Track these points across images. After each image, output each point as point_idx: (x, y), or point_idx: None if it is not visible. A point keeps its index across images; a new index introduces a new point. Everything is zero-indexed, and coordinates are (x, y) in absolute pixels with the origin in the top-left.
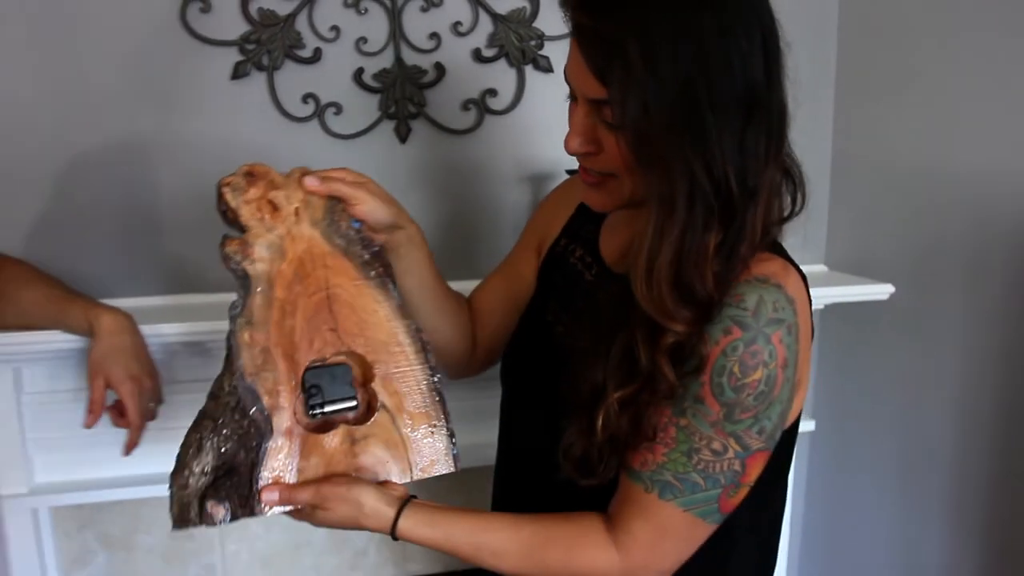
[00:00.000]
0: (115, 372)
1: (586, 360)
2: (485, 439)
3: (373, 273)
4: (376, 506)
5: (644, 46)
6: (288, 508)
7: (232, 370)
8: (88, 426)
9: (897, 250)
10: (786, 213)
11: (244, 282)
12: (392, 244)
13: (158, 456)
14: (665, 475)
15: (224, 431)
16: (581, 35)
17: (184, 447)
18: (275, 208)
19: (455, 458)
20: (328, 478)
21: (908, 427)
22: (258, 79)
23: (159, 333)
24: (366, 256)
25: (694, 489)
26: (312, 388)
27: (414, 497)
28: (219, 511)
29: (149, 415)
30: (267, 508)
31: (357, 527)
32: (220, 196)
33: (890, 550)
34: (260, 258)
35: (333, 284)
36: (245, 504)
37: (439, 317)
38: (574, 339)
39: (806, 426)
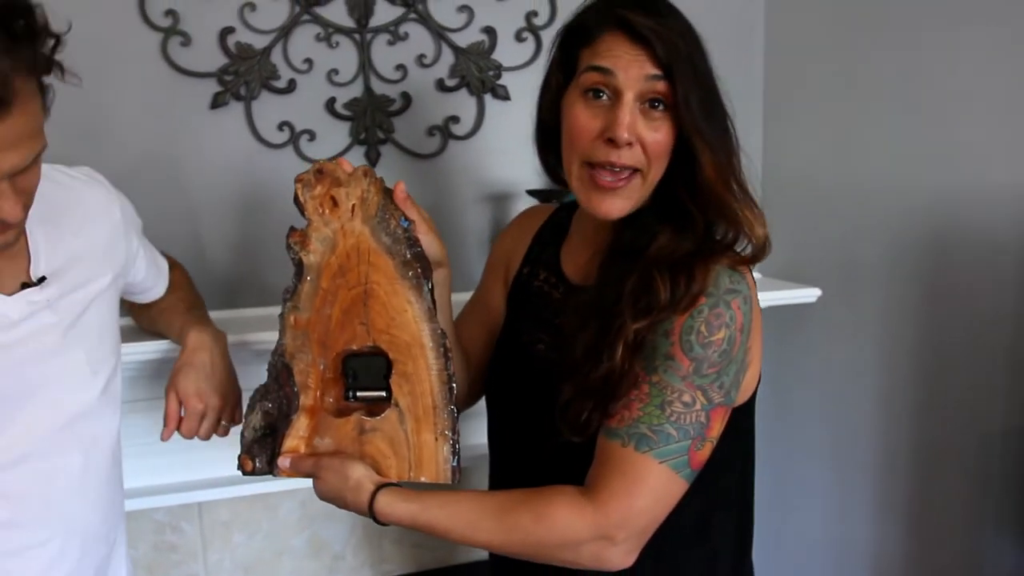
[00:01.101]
0: (183, 387)
1: (577, 334)
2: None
3: (411, 273)
4: (360, 480)
5: (688, 45)
6: (294, 475)
7: (276, 347)
8: (164, 439)
9: (823, 258)
10: None
11: (299, 270)
12: (434, 281)
13: (145, 472)
14: (641, 428)
15: (270, 398)
16: (646, 32)
17: (248, 406)
18: (335, 204)
19: (453, 471)
20: (330, 453)
21: (836, 413)
22: (236, 108)
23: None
24: (408, 255)
25: (668, 440)
26: (350, 373)
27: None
28: (249, 464)
29: (221, 432)
30: (279, 472)
31: (341, 499)
32: (295, 191)
33: (828, 532)
34: (315, 250)
35: (372, 280)
36: (271, 463)
37: (455, 354)
38: (560, 351)
39: None
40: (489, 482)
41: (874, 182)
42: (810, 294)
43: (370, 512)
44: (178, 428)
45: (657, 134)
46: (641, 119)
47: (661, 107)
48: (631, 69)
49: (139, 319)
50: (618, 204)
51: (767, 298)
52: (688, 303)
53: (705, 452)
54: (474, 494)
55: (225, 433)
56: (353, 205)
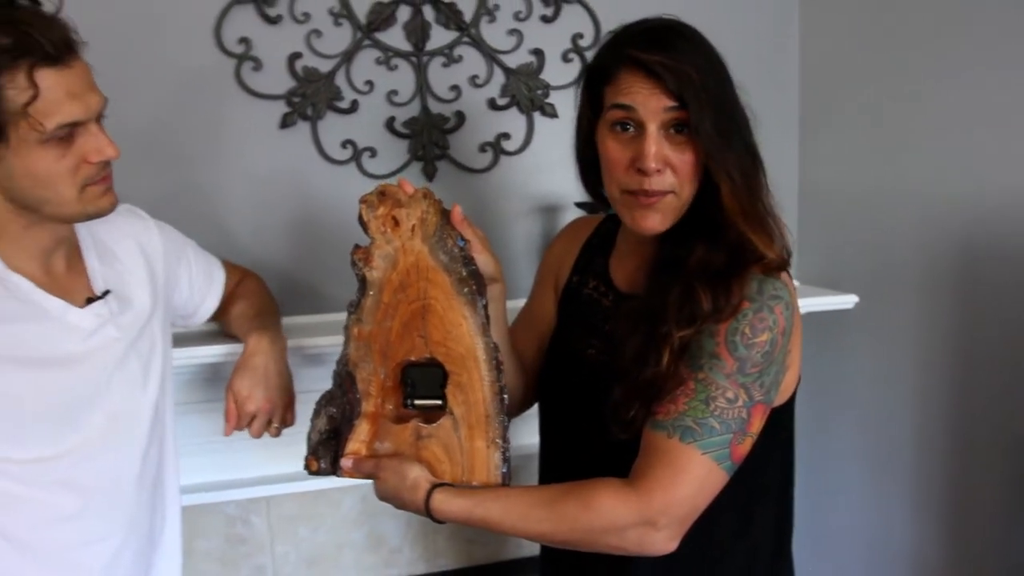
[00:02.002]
0: (237, 388)
1: (628, 339)
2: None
3: (466, 290)
4: (416, 480)
5: (700, 69)
6: (355, 476)
7: (341, 356)
8: (226, 434)
9: (860, 265)
10: None
11: (362, 285)
12: (489, 296)
13: (214, 468)
14: (686, 420)
15: (335, 403)
16: (656, 68)
17: (314, 410)
18: (396, 223)
19: (504, 476)
20: (389, 455)
21: (873, 419)
22: (303, 128)
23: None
24: (463, 273)
25: (711, 432)
26: (408, 382)
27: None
28: (315, 464)
29: (272, 432)
30: (341, 472)
31: (399, 498)
32: (359, 211)
33: (866, 533)
34: (377, 266)
35: (430, 296)
36: (334, 463)
37: (509, 363)
38: (610, 355)
39: None
40: (539, 481)
41: (909, 190)
42: (847, 301)
43: (426, 509)
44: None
45: (684, 155)
46: (667, 144)
47: (685, 130)
48: (649, 103)
49: (222, 325)
50: (657, 220)
51: (805, 304)
52: (729, 313)
53: (745, 446)
54: (524, 488)
55: (276, 434)
56: (413, 225)
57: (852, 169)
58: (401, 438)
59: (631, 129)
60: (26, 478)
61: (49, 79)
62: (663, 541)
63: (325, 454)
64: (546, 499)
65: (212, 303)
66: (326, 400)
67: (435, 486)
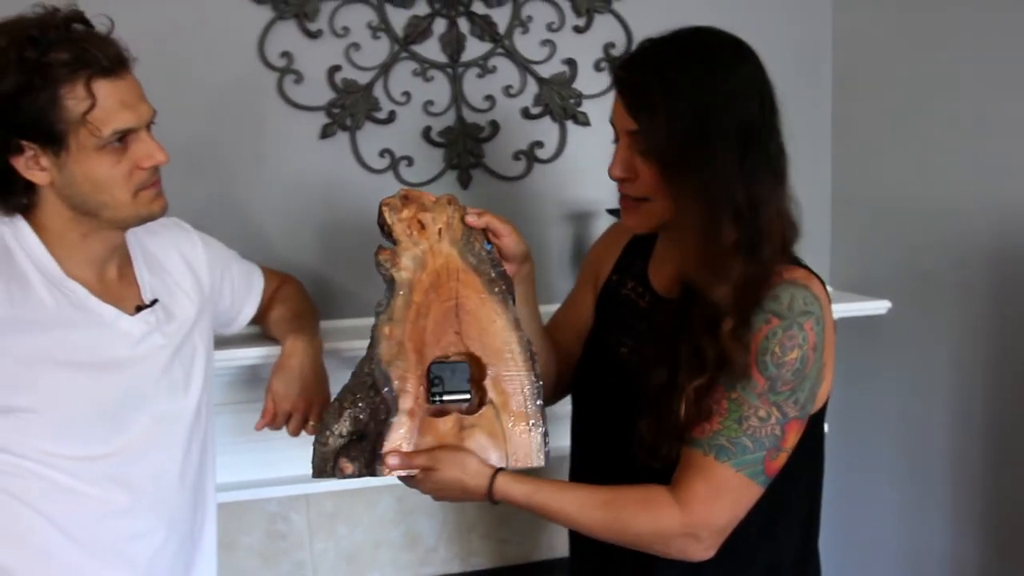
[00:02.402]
0: (274, 388)
1: (652, 367)
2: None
3: (496, 289)
4: (478, 468)
5: (665, 90)
6: (404, 472)
7: (371, 356)
8: (257, 428)
9: (893, 271)
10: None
11: (390, 285)
12: (520, 274)
13: (256, 466)
14: (720, 440)
15: (360, 404)
16: (620, 83)
17: (328, 413)
18: (422, 227)
19: (546, 455)
20: (440, 446)
21: (907, 426)
22: (343, 138)
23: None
24: (492, 275)
25: (744, 451)
26: (436, 379)
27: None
28: (349, 467)
29: (309, 430)
30: (386, 470)
31: (460, 487)
32: (380, 213)
33: (901, 539)
34: (405, 267)
35: (462, 295)
36: (369, 465)
37: (540, 343)
38: (641, 356)
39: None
40: (570, 469)
41: (943, 195)
42: (880, 306)
43: (488, 494)
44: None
45: (649, 168)
46: (638, 156)
47: None
48: (617, 117)
49: (262, 328)
50: (635, 221)
51: (838, 310)
52: (743, 367)
53: (780, 461)
54: (582, 486)
55: (313, 432)
56: (440, 229)
57: (885, 175)
58: (443, 431)
59: (618, 140)
60: (81, 474)
61: (105, 89)
62: (703, 551)
63: (358, 456)
64: (601, 500)
65: (251, 309)
66: (347, 403)
67: (497, 471)
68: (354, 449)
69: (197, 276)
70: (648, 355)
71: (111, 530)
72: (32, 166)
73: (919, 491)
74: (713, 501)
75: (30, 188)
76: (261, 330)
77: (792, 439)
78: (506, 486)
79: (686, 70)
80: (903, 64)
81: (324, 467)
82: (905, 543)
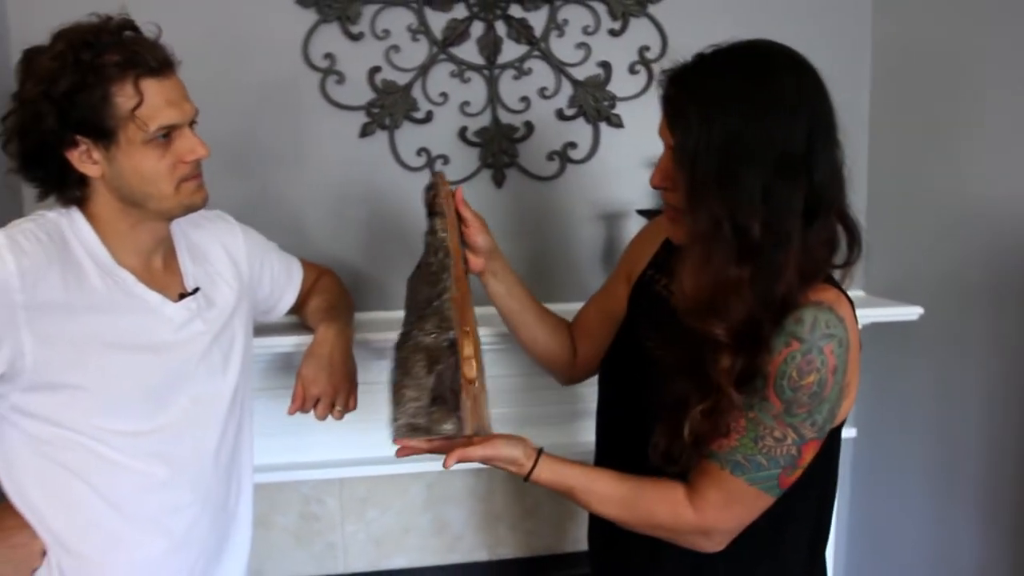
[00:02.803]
0: (303, 373)
1: (671, 372)
2: (582, 439)
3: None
4: (526, 444)
5: (701, 110)
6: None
7: (443, 324)
8: (289, 413)
9: (926, 277)
10: (844, 261)
11: (444, 253)
12: (492, 268)
13: (292, 450)
14: (736, 456)
15: (435, 375)
16: (665, 100)
17: (401, 396)
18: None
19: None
20: (498, 435)
21: (937, 434)
22: (381, 137)
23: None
24: (464, 267)
25: (758, 468)
26: None
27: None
28: (452, 421)
29: (335, 415)
30: (467, 431)
31: (514, 460)
32: (434, 183)
33: (929, 548)
34: (450, 234)
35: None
36: (457, 423)
37: (541, 329)
38: (663, 353)
39: (847, 432)
40: (595, 452)
41: (978, 202)
42: (912, 312)
43: (530, 472)
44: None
45: (683, 184)
46: (676, 169)
47: None
48: (661, 127)
49: (300, 318)
50: (676, 232)
51: (868, 315)
52: (760, 389)
53: (794, 477)
54: (607, 474)
55: (339, 416)
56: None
57: (920, 182)
58: (471, 396)
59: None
60: (126, 449)
61: (151, 88)
62: (713, 546)
63: (445, 418)
64: (628, 490)
65: (290, 298)
66: (422, 372)
67: (540, 452)
68: (440, 409)
69: (237, 265)
70: (669, 360)
71: (151, 502)
72: (85, 159)
73: (949, 499)
74: (725, 508)
75: (83, 181)
76: (299, 320)
77: (809, 457)
78: (543, 467)
79: (726, 92)
80: (940, 70)
81: (417, 426)
82: (934, 552)
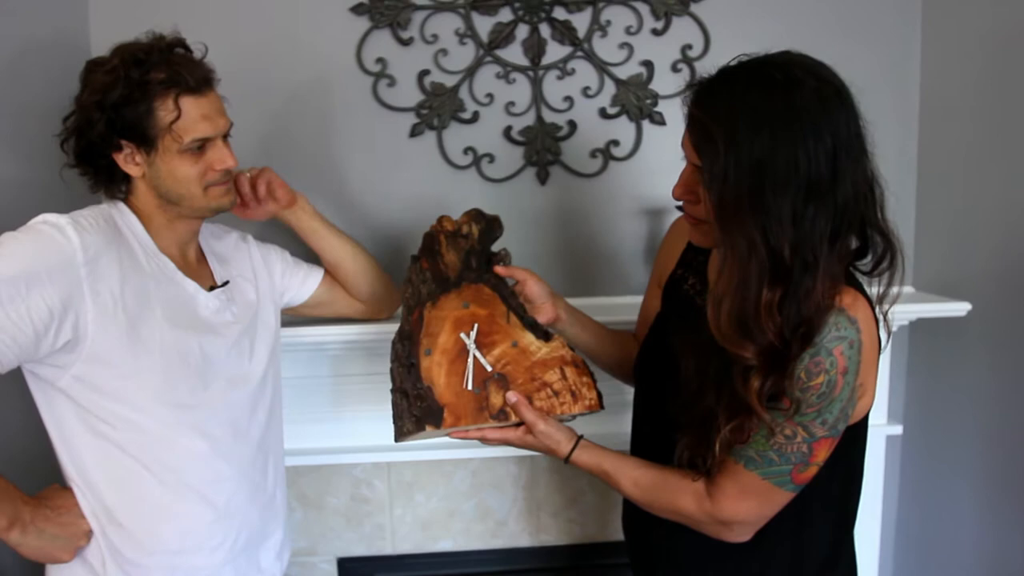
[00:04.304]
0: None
1: (694, 376)
2: (623, 430)
3: None
4: (568, 430)
5: (728, 135)
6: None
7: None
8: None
9: (975, 273)
10: (882, 267)
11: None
12: (559, 309)
13: (344, 434)
14: (749, 451)
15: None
16: (690, 119)
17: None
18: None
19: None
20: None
21: (986, 430)
22: (430, 137)
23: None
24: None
25: (770, 463)
26: None
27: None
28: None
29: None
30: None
31: (555, 443)
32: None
33: (980, 550)
34: None
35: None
36: (413, 422)
37: (614, 349)
38: (686, 354)
39: (894, 430)
40: (631, 437)
41: None
42: (960, 308)
43: (570, 453)
44: None
45: (709, 201)
46: (700, 185)
47: None
48: (685, 144)
49: (330, 293)
50: (696, 237)
51: (916, 310)
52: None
53: (809, 473)
54: (637, 461)
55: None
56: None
57: (970, 179)
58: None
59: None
60: (172, 422)
61: (189, 104)
62: (735, 537)
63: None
64: (654, 478)
65: (314, 281)
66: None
67: (579, 439)
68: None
69: (255, 269)
70: (693, 364)
71: (194, 473)
72: (129, 161)
73: (998, 496)
74: (740, 500)
75: (127, 179)
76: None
77: (823, 454)
78: (582, 451)
79: (752, 116)
80: (990, 62)
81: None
82: (984, 549)
